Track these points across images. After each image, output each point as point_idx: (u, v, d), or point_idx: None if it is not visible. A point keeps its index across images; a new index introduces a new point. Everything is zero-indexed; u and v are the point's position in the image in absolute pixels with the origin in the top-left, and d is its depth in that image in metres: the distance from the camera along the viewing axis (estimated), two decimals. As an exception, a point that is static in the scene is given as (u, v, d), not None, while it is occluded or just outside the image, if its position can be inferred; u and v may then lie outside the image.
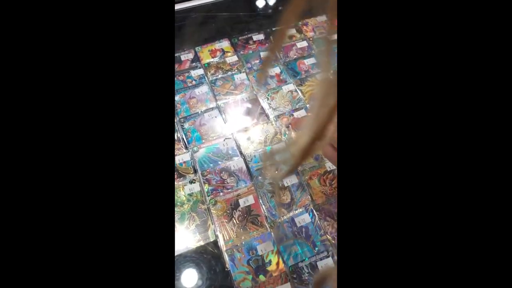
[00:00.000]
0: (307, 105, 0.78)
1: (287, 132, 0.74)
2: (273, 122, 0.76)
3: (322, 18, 0.93)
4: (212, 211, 0.65)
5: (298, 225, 0.65)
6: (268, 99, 0.79)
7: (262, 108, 0.77)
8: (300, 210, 0.66)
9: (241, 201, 0.66)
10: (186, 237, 0.63)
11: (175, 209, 0.65)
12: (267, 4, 0.96)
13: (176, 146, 0.72)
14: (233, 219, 0.64)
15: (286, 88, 0.81)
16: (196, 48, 0.85)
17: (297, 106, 0.78)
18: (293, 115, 0.77)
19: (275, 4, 0.96)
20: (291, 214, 0.65)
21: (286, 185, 0.68)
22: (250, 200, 0.66)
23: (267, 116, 0.76)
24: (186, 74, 0.81)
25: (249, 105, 0.78)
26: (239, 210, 0.65)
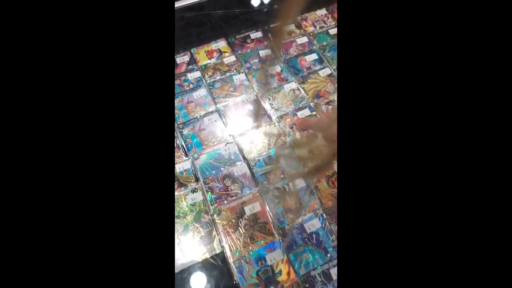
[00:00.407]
0: (311, 104, 0.74)
1: (291, 133, 0.71)
2: (276, 123, 0.72)
3: (322, 11, 0.89)
4: (216, 221, 0.62)
5: (308, 231, 0.61)
6: (269, 99, 0.75)
7: (264, 109, 0.74)
8: (309, 215, 0.63)
9: (246, 209, 0.63)
10: (190, 250, 0.59)
11: (178, 220, 0.62)
12: (262, 2, 0.92)
13: (175, 154, 0.69)
14: (239, 228, 0.61)
15: (288, 86, 0.77)
16: (192, 50, 0.82)
17: (300, 105, 0.74)
18: (296, 114, 0.73)
19: (270, 1, 0.93)
20: (300, 219, 0.62)
21: (293, 189, 0.65)
22: (256, 207, 0.63)
23: (269, 117, 0.73)
24: (183, 78, 0.78)
25: (250, 107, 0.74)
26: (245, 219, 0.62)
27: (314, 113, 0.73)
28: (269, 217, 0.62)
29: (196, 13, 0.88)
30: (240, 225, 0.61)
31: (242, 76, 0.78)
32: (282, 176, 0.66)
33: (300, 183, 0.65)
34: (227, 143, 0.69)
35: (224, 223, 0.61)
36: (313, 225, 0.62)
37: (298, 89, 0.77)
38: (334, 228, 0.61)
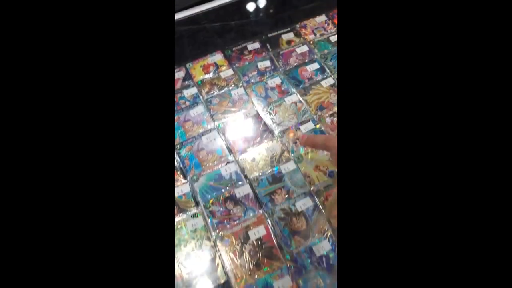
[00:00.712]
0: (315, 116, 0.71)
1: (295, 149, 0.67)
2: (278, 139, 0.68)
3: (322, 18, 0.85)
4: (219, 247, 0.58)
5: (318, 254, 0.57)
6: (270, 113, 0.71)
7: (265, 124, 0.70)
8: (318, 236, 0.58)
9: (251, 233, 0.59)
10: (193, 281, 0.55)
11: (179, 249, 0.58)
12: (258, 8, 0.88)
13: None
14: (244, 254, 0.57)
15: (289, 99, 0.73)
16: (187, 65, 0.78)
17: (303, 119, 0.71)
18: (299, 128, 0.69)
19: (266, 6, 0.89)
20: (308, 242, 0.58)
21: (299, 209, 0.61)
22: (261, 231, 0.59)
23: (271, 132, 0.69)
24: (179, 95, 0.74)
25: (251, 122, 0.71)
26: (249, 244, 0.58)
27: (318, 126, 0.69)
28: (275, 241, 0.58)
29: (190, 27, 0.85)
30: (244, 251, 0.57)
31: (240, 91, 0.75)
32: (286, 196, 0.62)
33: (306, 202, 0.61)
34: (227, 162, 0.66)
35: (228, 249, 0.58)
36: (323, 247, 0.58)
37: (300, 101, 0.73)
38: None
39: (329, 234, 0.58)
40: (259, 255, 0.57)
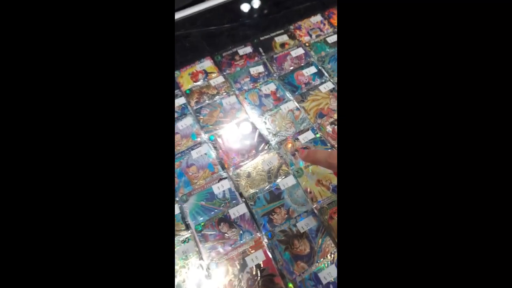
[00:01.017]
0: (314, 125, 0.65)
1: (294, 161, 0.61)
2: (276, 151, 0.62)
3: (317, 18, 0.80)
4: (214, 276, 0.51)
5: (324, 281, 0.51)
6: (266, 123, 0.65)
7: (260, 134, 0.64)
8: (324, 261, 0.52)
9: (248, 259, 0.52)
10: (184, 317, 0.49)
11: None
12: (248, 9, 0.83)
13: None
14: (241, 284, 0.51)
15: (286, 107, 0.67)
16: (174, 73, 0.72)
17: (301, 128, 0.65)
18: (298, 139, 0.63)
19: (257, 7, 0.83)
20: (313, 268, 0.52)
21: (302, 230, 0.54)
22: (260, 256, 0.53)
23: (267, 144, 0.63)
24: (165, 106, 0.68)
25: (245, 134, 0.64)
26: (247, 272, 0.52)
27: (318, 135, 0.63)
28: (276, 268, 0.52)
29: (177, 32, 0.79)
30: (241, 279, 0.51)
31: (232, 99, 0.68)
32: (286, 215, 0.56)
33: (309, 222, 0.55)
34: (220, 179, 0.59)
35: (223, 279, 0.51)
36: (329, 273, 0.51)
37: (297, 108, 0.67)
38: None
39: (336, 258, 0.52)
40: (259, 285, 0.51)
